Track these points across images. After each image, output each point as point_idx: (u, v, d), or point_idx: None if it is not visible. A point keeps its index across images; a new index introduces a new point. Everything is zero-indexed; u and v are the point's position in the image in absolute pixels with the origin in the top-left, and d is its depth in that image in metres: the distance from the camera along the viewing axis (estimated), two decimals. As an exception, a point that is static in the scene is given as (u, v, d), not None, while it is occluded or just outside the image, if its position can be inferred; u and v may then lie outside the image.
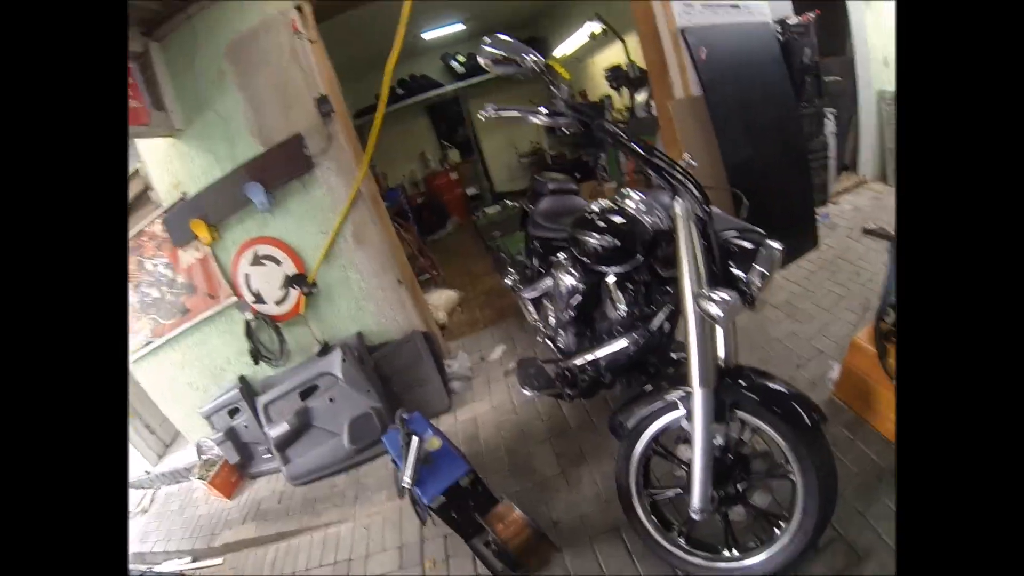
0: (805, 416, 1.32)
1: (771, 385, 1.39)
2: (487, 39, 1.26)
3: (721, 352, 1.43)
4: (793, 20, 3.68)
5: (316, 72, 2.78)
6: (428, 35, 5.30)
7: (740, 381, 1.40)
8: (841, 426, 2.00)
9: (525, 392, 2.27)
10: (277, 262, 3.01)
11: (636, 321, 1.78)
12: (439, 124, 6.27)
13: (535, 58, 1.25)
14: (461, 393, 2.96)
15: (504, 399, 2.80)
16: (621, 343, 1.81)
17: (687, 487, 1.45)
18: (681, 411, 1.47)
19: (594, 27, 4.70)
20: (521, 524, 1.80)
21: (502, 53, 1.25)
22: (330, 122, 2.83)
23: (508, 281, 2.62)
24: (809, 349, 2.59)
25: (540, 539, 1.84)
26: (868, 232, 3.52)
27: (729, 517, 1.55)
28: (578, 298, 1.96)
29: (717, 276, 1.35)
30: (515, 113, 1.38)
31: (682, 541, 1.66)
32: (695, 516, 1.44)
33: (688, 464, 1.44)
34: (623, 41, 4.29)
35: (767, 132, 3.31)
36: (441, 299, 3.77)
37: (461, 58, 5.59)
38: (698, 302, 1.28)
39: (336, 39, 3.01)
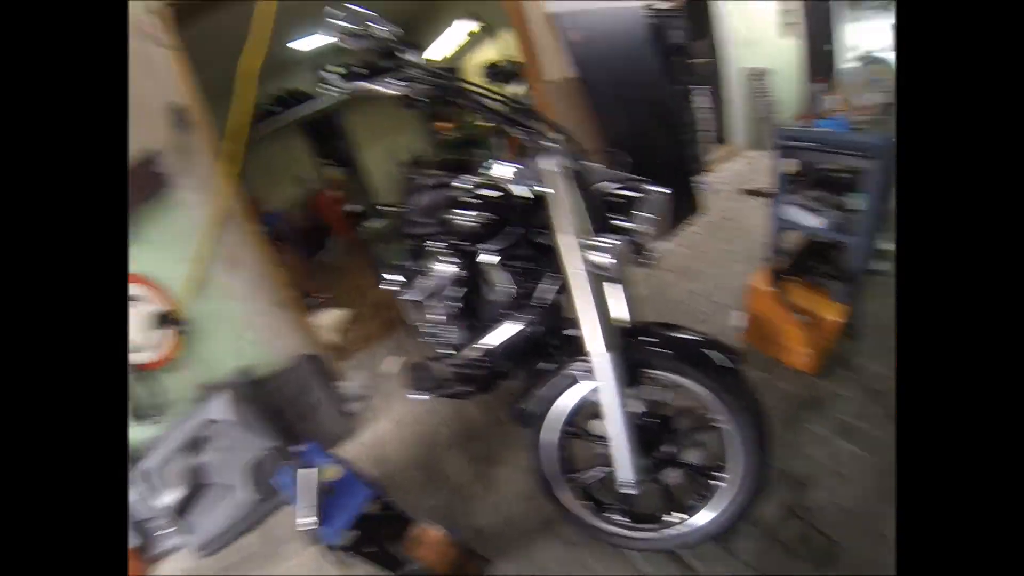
0: (721, 359, 1.20)
1: (679, 336, 1.27)
2: (331, 10, 1.10)
3: (618, 312, 1.27)
4: (662, 5, 3.78)
5: (173, 82, 2.40)
6: (301, 47, 4.92)
7: (645, 338, 1.26)
8: (755, 369, 1.96)
9: (417, 397, 2.02)
10: (142, 301, 2.55)
11: (523, 300, 1.59)
12: (317, 141, 5.82)
13: (382, 27, 1.11)
14: (360, 414, 2.66)
15: (406, 412, 2.55)
16: (511, 326, 1.61)
17: (612, 463, 1.29)
18: (587, 384, 1.31)
19: (470, 26, 4.59)
20: (443, 544, 1.53)
21: (348, 24, 1.09)
22: (189, 136, 2.43)
23: (390, 287, 2.38)
24: (709, 305, 2.58)
25: (468, 555, 1.58)
26: (747, 192, 3.68)
27: (665, 482, 1.41)
28: (458, 287, 1.75)
29: (601, 231, 1.21)
30: (366, 84, 1.20)
31: (621, 519, 1.51)
32: (627, 491, 1.29)
33: (608, 439, 1.27)
34: (499, 37, 4.20)
35: (643, 109, 3.35)
36: (330, 319, 3.42)
37: (337, 70, 5.20)
38: (581, 254, 1.14)
39: (205, 55, 2.65)
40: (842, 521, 1.50)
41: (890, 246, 2.53)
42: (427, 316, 2.08)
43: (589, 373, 1.26)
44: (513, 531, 1.75)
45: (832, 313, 1.83)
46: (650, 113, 3.39)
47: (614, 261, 1.09)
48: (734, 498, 1.32)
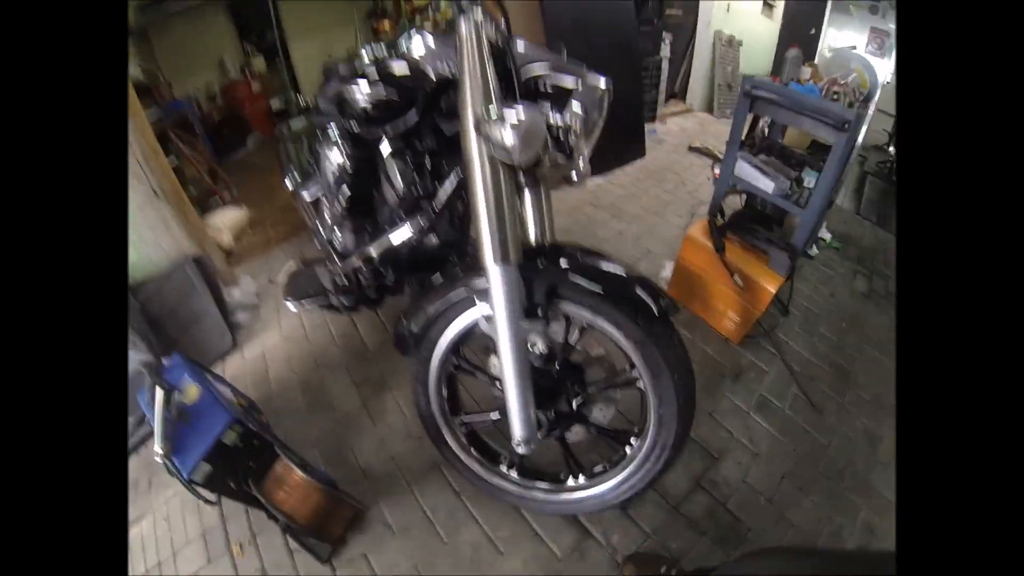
0: (652, 304, 0.93)
1: (604, 267, 0.97)
2: None
3: (532, 224, 0.99)
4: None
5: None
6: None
7: (560, 260, 0.96)
8: (679, 325, 1.81)
9: (289, 306, 1.72)
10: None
11: (420, 201, 1.29)
12: (243, 26, 4.96)
13: None
14: (248, 325, 2.28)
15: (294, 325, 2.22)
16: (403, 231, 1.31)
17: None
18: (482, 308, 1.02)
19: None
20: (305, 488, 1.28)
21: None
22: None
23: (288, 183, 1.98)
24: (638, 249, 2.40)
25: (336, 501, 1.34)
26: (693, 149, 3.50)
27: (567, 439, 1.18)
28: (347, 186, 1.42)
29: None
30: None
31: (514, 474, 1.29)
32: (518, 449, 1.04)
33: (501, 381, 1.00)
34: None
35: (601, 36, 3.01)
36: (226, 219, 2.92)
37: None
38: (482, 131, 0.81)
39: None
40: (751, 502, 1.40)
41: (826, 235, 2.46)
42: (320, 218, 1.75)
43: (484, 296, 0.98)
44: (398, 471, 1.54)
45: (767, 281, 1.69)
46: (608, 43, 3.06)
47: (516, 142, 0.79)
48: (640, 468, 1.13)
